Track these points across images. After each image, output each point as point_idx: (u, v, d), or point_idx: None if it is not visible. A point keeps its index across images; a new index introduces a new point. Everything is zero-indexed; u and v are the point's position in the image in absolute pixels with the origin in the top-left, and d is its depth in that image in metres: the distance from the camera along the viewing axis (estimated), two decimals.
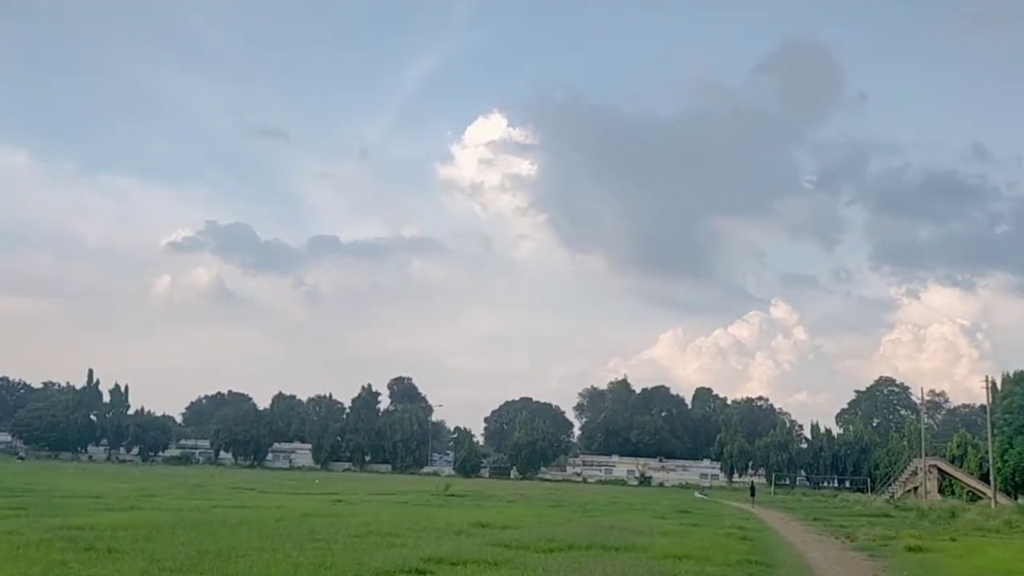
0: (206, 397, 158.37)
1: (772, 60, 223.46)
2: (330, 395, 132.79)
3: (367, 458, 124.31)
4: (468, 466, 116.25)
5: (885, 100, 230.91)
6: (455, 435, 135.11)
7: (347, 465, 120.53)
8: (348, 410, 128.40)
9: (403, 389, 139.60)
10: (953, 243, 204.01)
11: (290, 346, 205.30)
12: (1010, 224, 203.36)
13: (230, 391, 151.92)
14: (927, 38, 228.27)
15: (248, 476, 72.25)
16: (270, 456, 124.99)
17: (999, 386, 63.76)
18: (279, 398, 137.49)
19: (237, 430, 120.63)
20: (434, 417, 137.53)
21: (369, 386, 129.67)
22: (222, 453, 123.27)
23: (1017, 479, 47.00)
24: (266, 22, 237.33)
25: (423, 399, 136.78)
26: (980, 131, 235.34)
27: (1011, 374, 61.67)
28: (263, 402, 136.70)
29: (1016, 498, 58.24)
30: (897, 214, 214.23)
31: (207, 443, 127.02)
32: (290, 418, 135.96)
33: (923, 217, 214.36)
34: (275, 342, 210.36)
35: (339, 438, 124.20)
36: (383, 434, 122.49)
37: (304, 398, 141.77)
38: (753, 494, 63.19)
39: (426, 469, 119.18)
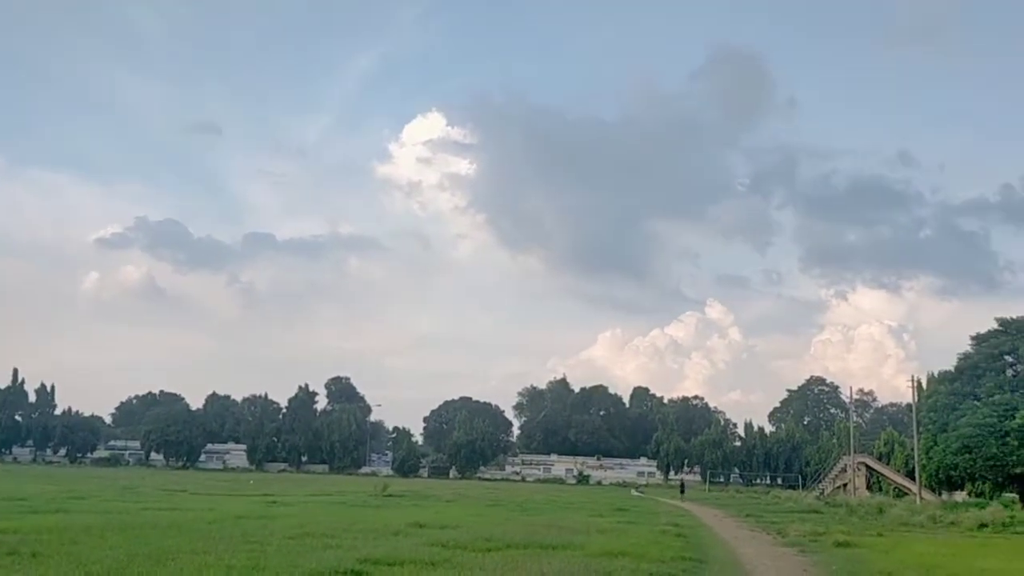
0: (136, 397, 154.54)
1: (707, 66, 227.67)
2: (266, 395, 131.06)
3: (304, 459, 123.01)
4: (407, 466, 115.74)
5: (815, 106, 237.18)
6: (394, 435, 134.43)
7: (283, 466, 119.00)
8: (284, 410, 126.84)
9: (341, 389, 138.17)
10: (880, 246, 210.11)
11: (224, 345, 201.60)
12: (933, 229, 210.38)
13: (161, 391, 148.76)
14: (855, 48, 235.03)
15: (180, 478, 70.67)
16: (203, 457, 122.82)
17: (924, 385, 65.71)
18: (212, 398, 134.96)
19: (169, 431, 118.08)
20: (373, 417, 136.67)
21: (306, 386, 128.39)
22: (153, 454, 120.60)
23: (941, 476, 48.58)
24: (203, 17, 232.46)
25: (361, 399, 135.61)
26: (906, 138, 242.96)
27: (936, 374, 63.47)
28: (196, 402, 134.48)
29: (940, 494, 60.16)
30: (826, 218, 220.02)
31: (137, 444, 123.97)
32: (224, 418, 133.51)
33: (851, 221, 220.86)
34: (208, 341, 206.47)
35: (275, 439, 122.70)
36: (320, 434, 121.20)
37: (239, 398, 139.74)
38: (683, 491, 68.00)
39: (364, 469, 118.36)
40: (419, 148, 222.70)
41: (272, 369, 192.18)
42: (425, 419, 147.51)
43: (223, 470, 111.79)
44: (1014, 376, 51.54)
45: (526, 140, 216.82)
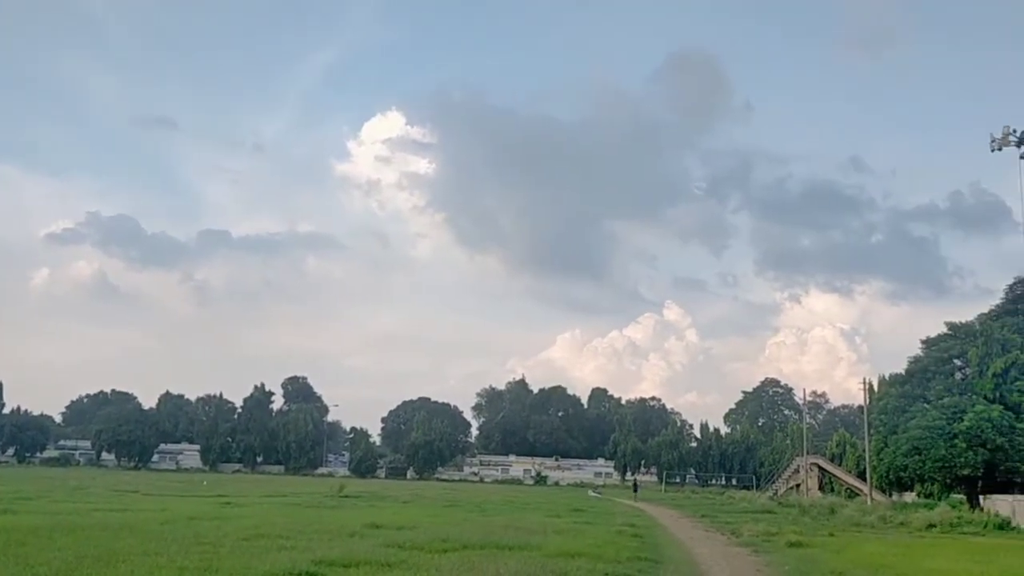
0: (87, 396, 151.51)
1: (664, 69, 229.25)
2: (220, 394, 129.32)
3: (259, 459, 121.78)
4: (364, 467, 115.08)
5: (770, 111, 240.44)
6: (351, 435, 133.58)
7: (237, 466, 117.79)
8: (240, 410, 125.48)
9: (298, 388, 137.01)
10: (832, 250, 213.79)
11: (178, 344, 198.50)
12: (884, 234, 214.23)
13: (113, 390, 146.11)
14: (810, 54, 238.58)
15: (132, 478, 69.44)
16: (156, 457, 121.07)
17: (875, 388, 66.89)
18: (166, 397, 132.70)
19: (120, 430, 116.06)
20: (330, 417, 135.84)
21: (262, 385, 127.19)
22: (104, 454, 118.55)
23: (891, 477, 49.43)
24: (161, 9, 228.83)
25: (318, 399, 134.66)
26: (858, 144, 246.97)
27: (887, 377, 64.57)
28: (149, 401, 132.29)
29: (890, 495, 61.27)
30: (780, 221, 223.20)
31: (88, 444, 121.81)
32: (177, 418, 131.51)
33: (805, 225, 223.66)
34: (162, 339, 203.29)
35: (229, 439, 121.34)
36: (276, 435, 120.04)
37: (193, 398, 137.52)
38: (636, 491, 71.30)
39: (321, 470, 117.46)
40: (378, 147, 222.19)
41: (227, 368, 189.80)
42: (383, 419, 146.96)
43: (176, 471, 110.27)
44: (962, 379, 52.66)
45: (485, 140, 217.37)
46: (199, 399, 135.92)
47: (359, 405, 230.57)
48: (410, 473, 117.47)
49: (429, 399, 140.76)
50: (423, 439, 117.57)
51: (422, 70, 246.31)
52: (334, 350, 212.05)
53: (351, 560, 15.26)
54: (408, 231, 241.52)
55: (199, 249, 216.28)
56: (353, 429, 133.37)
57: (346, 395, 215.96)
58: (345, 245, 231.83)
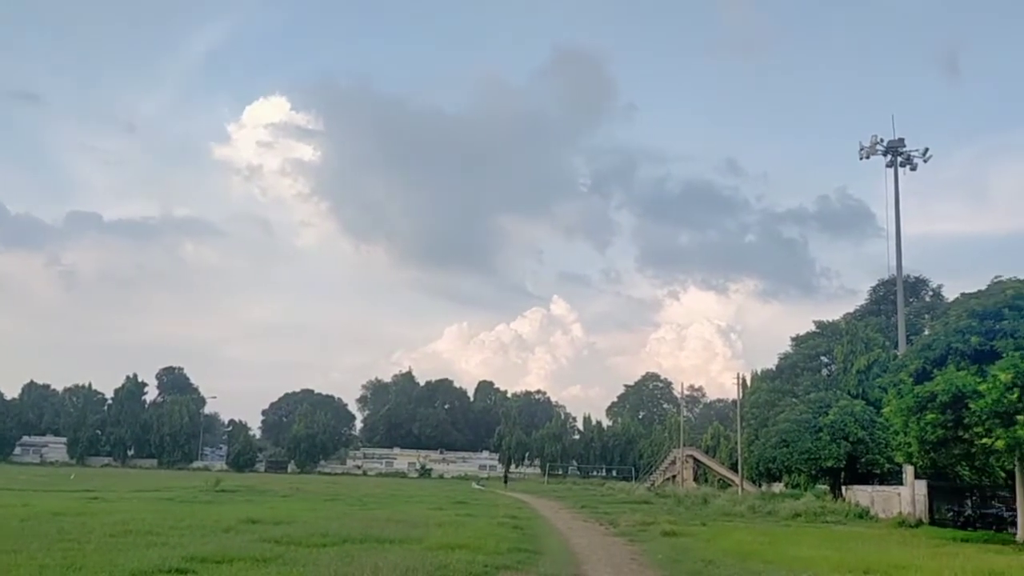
0: None
1: (551, 65, 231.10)
2: (89, 384, 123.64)
3: (130, 453, 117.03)
4: (242, 460, 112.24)
5: (652, 111, 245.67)
6: (229, 428, 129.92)
7: (107, 460, 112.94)
8: (110, 401, 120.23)
9: (173, 379, 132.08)
10: (709, 249, 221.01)
11: (43, 331, 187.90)
12: (757, 234, 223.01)
13: None
14: (691, 58, 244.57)
15: None
16: (18, 450, 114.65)
17: (748, 383, 69.95)
18: (30, 387, 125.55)
19: None
20: (207, 409, 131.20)
21: (135, 376, 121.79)
22: None
23: (761, 468, 51.68)
24: None
25: (195, 390, 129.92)
26: (733, 147, 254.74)
27: (759, 372, 67.76)
28: (11, 391, 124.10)
29: (760, 485, 64.09)
30: (661, 220, 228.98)
31: None
32: (42, 409, 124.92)
33: (683, 224, 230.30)
34: (26, 326, 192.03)
35: (99, 431, 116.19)
36: (149, 427, 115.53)
37: (59, 388, 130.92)
38: (506, 482, 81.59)
39: (196, 464, 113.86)
40: (260, 131, 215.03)
41: (97, 358, 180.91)
42: (264, 412, 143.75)
43: (40, 464, 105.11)
44: (828, 375, 55.62)
45: (373, 128, 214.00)
46: (66, 389, 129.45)
47: (239, 397, 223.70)
48: (291, 467, 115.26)
49: (312, 391, 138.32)
50: (305, 432, 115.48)
51: (308, 54, 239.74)
52: (212, 340, 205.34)
53: (225, 556, 14.85)
54: (292, 219, 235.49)
55: (67, 231, 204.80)
56: (232, 422, 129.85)
57: (225, 387, 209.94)
58: (224, 231, 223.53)
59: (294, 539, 18.09)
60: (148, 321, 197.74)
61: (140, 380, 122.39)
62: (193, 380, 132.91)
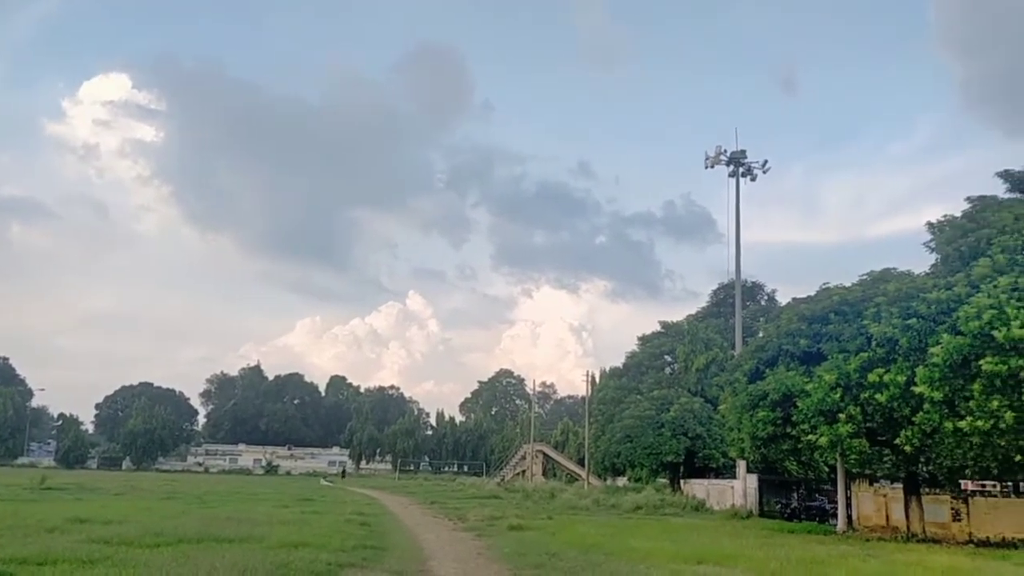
0: None
1: (409, 60, 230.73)
2: None
3: None
4: (72, 457, 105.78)
5: (508, 111, 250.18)
6: (59, 422, 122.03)
7: None
8: None
9: None
10: (562, 249, 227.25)
11: None
12: (607, 236, 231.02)
13: None
14: (547, 62, 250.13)
15: None
16: None
17: (597, 380, 72.01)
18: None
19: None
20: (35, 402, 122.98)
21: None
22: None
23: (607, 463, 53.31)
24: None
25: (22, 381, 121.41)
26: (586, 150, 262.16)
27: (607, 369, 69.86)
28: None
29: (606, 479, 66.05)
30: (515, 219, 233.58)
31: None
32: None
33: (538, 223, 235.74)
34: None
35: None
36: None
37: None
38: (343, 476, 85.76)
39: (21, 460, 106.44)
40: (98, 109, 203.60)
41: None
42: (98, 406, 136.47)
43: None
44: (671, 374, 58.00)
45: (222, 113, 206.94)
46: None
47: (70, 390, 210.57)
48: (126, 463, 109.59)
49: (151, 384, 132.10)
50: (142, 427, 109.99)
51: (152, 31, 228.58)
52: (42, 328, 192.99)
53: (48, 558, 13.91)
54: (130, 203, 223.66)
55: None
56: (61, 416, 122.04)
57: (55, 378, 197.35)
58: (56, 213, 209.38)
59: (125, 539, 17.18)
60: None
61: None
62: (19, 370, 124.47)
